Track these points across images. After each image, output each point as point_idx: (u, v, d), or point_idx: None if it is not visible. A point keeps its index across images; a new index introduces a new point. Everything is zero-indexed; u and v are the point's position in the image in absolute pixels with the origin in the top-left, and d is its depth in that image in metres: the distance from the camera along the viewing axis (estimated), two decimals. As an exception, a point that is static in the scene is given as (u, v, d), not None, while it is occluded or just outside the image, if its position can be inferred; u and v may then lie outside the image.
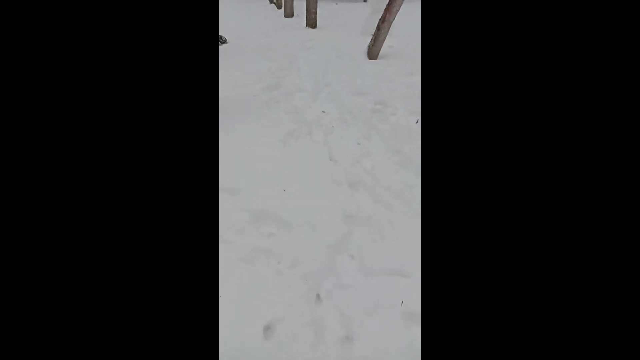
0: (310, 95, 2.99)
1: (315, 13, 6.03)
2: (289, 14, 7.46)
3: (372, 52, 4.08)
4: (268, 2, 10.10)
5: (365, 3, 11.78)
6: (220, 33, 4.54)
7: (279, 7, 8.74)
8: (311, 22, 6.07)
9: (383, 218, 1.56)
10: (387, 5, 3.78)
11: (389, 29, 3.93)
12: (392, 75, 3.45)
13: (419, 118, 2.48)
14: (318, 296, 1.20)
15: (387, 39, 4.04)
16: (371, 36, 4.11)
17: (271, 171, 1.82)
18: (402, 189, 1.75)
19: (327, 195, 1.68)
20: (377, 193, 1.72)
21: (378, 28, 3.93)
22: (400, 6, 3.76)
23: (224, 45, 4.63)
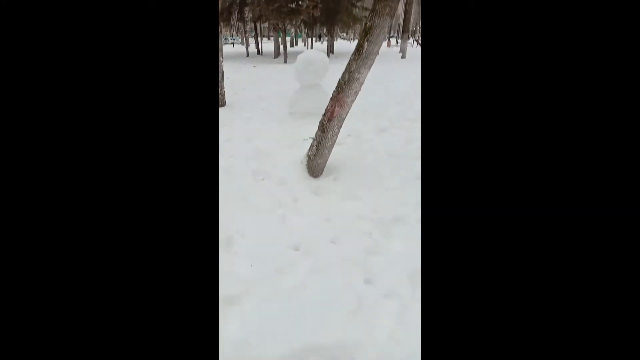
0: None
1: (222, 87, 4.29)
2: (190, 82, 5.63)
3: (314, 167, 2.38)
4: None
5: (287, 65, 10.48)
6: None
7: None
8: (217, 100, 4.28)
9: None
10: (336, 93, 2.16)
11: (339, 129, 2.29)
12: (360, 223, 1.70)
13: None
14: None
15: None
16: (311, 139, 2.42)
17: None
18: None
19: None
20: None
21: (322, 129, 2.27)
22: (356, 95, 2.17)
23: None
